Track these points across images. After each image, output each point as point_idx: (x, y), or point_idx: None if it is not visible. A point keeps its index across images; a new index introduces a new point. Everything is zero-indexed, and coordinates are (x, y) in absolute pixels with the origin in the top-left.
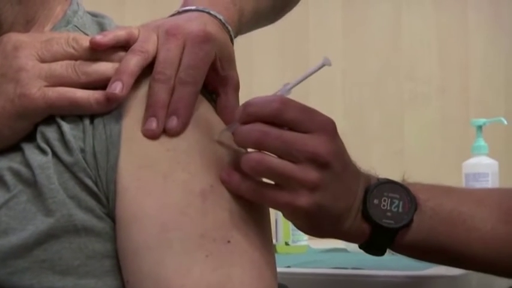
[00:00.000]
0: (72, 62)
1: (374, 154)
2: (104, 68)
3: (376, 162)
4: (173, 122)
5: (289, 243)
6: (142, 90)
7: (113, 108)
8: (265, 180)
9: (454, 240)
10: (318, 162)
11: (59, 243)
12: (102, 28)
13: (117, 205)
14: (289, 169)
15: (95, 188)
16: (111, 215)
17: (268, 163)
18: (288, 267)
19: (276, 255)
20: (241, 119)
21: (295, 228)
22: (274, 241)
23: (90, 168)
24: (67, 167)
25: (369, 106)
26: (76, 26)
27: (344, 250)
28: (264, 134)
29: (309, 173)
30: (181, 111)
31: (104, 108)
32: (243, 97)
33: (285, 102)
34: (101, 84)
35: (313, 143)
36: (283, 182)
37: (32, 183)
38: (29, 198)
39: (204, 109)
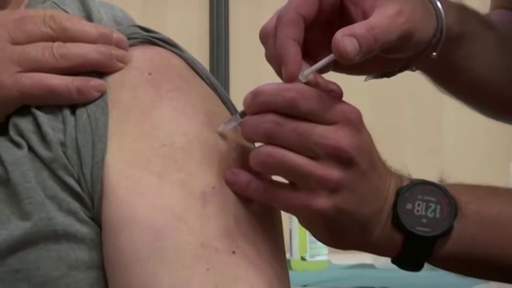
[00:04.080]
0: (49, 43)
1: (407, 151)
2: (85, 50)
3: (409, 161)
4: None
5: (306, 257)
6: (131, 75)
7: (97, 97)
8: (277, 179)
9: (504, 250)
10: (341, 158)
11: (36, 251)
12: (84, 5)
13: (103, 208)
14: (306, 165)
15: (77, 188)
16: (96, 219)
17: (281, 157)
18: (305, 286)
19: (290, 271)
20: (251, 109)
21: (313, 239)
22: (288, 255)
23: (72, 164)
24: (45, 163)
25: (401, 95)
26: (54, 3)
27: (371, 266)
28: (277, 125)
29: (330, 171)
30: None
31: (86, 97)
32: (252, 83)
33: (302, 90)
34: (82, 69)
35: (335, 135)
36: (299, 180)
37: (4, 181)
38: (1, 199)
39: (205, 97)
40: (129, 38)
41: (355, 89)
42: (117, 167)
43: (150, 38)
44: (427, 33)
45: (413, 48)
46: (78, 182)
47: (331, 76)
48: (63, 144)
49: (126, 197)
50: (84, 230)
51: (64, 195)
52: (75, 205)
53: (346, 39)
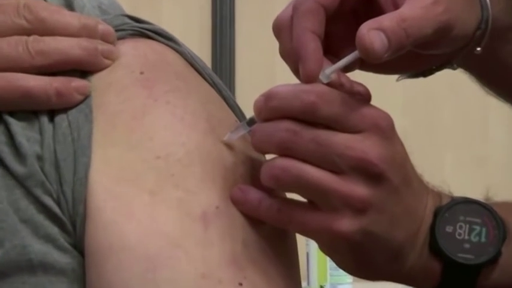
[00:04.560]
0: (24, 37)
1: (447, 163)
2: (66, 45)
3: (449, 174)
4: None
5: (326, 287)
6: (119, 74)
7: (80, 100)
8: (292, 196)
9: None
10: (368, 173)
11: (8, 285)
12: None
13: (87, 233)
14: (327, 181)
15: (56, 209)
16: (78, 247)
17: (298, 171)
18: None
19: None
20: (262, 115)
21: (334, 265)
22: (304, 284)
23: (51, 181)
24: (19, 180)
25: (440, 98)
26: None
27: None
28: (294, 134)
29: (356, 188)
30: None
31: (67, 101)
32: (262, 84)
33: (323, 93)
34: (63, 67)
35: (361, 145)
36: (319, 198)
37: None
38: None
39: (207, 99)
40: (116, 30)
41: (385, 91)
42: (103, 184)
43: (142, 30)
44: (470, 25)
45: (454, 43)
46: (58, 203)
47: (357, 76)
48: (40, 158)
49: (114, 219)
50: (64, 259)
51: (41, 218)
52: (54, 230)
53: (372, 33)
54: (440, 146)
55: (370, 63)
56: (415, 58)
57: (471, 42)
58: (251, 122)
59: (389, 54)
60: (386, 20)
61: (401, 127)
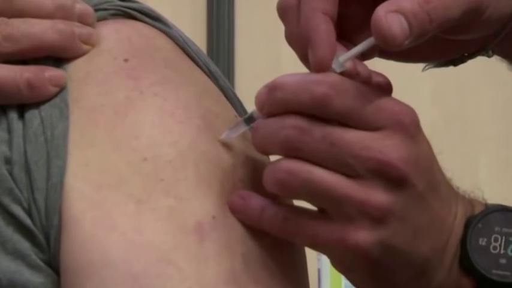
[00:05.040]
0: None
1: (481, 165)
2: (38, 28)
3: (484, 178)
4: None
5: None
6: (100, 62)
7: (54, 93)
8: (300, 204)
9: None
10: (389, 177)
11: None
12: None
13: (62, 248)
14: (341, 186)
15: (27, 221)
16: (53, 264)
17: (307, 175)
18: None
19: None
20: (265, 109)
21: (349, 284)
22: None
23: (20, 188)
24: None
25: (475, 87)
26: None
27: None
28: (302, 131)
29: (373, 194)
30: None
31: (39, 94)
32: (265, 72)
33: (336, 84)
34: (34, 54)
35: (380, 145)
36: (332, 206)
37: None
38: None
39: (202, 91)
40: (96, 10)
41: (411, 77)
42: (81, 190)
43: (125, 9)
44: (506, 5)
45: (487, 27)
46: (29, 213)
47: (376, 64)
48: (8, 161)
49: (94, 232)
50: (36, 279)
51: (9, 232)
52: (25, 245)
53: (391, 16)
54: (474, 145)
55: (389, 50)
56: (444, 44)
57: (507, 26)
58: (252, 118)
59: (410, 41)
60: (407, 1)
61: (429, 121)
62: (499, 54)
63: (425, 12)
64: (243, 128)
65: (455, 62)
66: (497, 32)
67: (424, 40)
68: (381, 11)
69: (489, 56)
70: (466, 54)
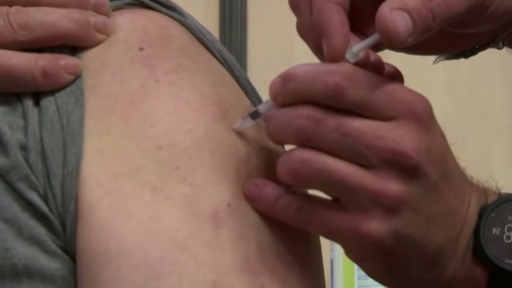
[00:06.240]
0: (5, 8)
1: (495, 154)
2: (53, 17)
3: (497, 167)
4: None
5: None
6: (115, 51)
7: (70, 81)
8: (313, 193)
9: None
10: (402, 167)
11: None
12: None
13: (79, 235)
14: (355, 176)
15: (43, 207)
16: (69, 250)
17: (320, 165)
18: None
19: None
20: (279, 99)
21: (362, 273)
22: None
23: (37, 175)
24: (0, 173)
25: (489, 75)
26: None
27: None
28: (316, 121)
29: (387, 184)
30: None
31: (54, 82)
32: (279, 62)
33: (349, 74)
34: (49, 43)
35: (393, 135)
36: (346, 196)
37: None
38: None
39: (217, 80)
40: (111, 0)
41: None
42: (97, 178)
43: None
44: None
45: (495, 20)
46: (45, 199)
47: (391, 54)
48: (24, 148)
49: (110, 219)
50: (52, 264)
51: (25, 218)
52: (41, 231)
53: (396, 14)
54: (488, 134)
55: (393, 48)
56: (454, 37)
57: None
58: (267, 107)
59: (414, 38)
60: None
61: (442, 111)
62: (509, 46)
63: (428, 9)
64: (257, 118)
65: (466, 54)
66: (506, 24)
67: (427, 36)
68: (385, 8)
69: (499, 48)
70: (476, 47)
